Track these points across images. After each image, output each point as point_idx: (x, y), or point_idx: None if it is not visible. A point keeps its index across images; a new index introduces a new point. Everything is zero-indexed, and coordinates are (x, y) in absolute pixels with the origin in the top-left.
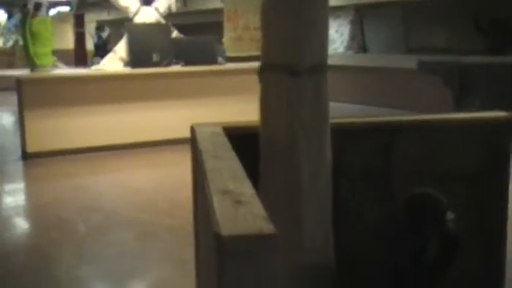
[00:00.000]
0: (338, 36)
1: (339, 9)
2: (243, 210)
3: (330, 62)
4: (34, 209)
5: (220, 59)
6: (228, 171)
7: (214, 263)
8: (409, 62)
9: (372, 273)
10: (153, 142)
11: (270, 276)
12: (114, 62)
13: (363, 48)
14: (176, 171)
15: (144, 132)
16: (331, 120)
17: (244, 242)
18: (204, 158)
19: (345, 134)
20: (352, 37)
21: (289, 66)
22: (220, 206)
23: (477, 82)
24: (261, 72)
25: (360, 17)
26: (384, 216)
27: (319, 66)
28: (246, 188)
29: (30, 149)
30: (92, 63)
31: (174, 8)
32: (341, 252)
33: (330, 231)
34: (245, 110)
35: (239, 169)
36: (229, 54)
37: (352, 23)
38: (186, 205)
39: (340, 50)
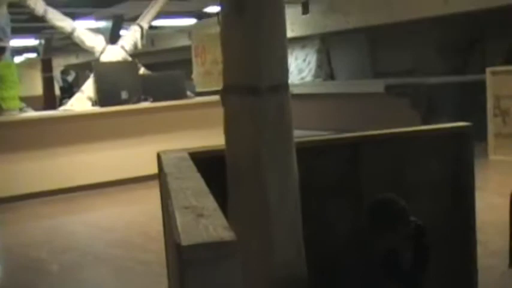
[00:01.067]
0: (305, 65)
1: (305, 39)
2: (204, 222)
3: (298, 90)
4: (4, 252)
5: (189, 93)
6: (191, 190)
7: (178, 275)
8: (376, 86)
9: (345, 283)
10: (124, 180)
11: (232, 282)
12: (82, 101)
13: (331, 76)
14: (148, 207)
15: (115, 171)
16: (297, 140)
17: (204, 250)
18: (169, 180)
19: (311, 151)
20: (319, 65)
21: (250, 86)
22: (182, 219)
23: (442, 101)
24: (223, 94)
25: (325, 46)
26: (354, 227)
27: (280, 86)
28: (209, 203)
29: (1, 193)
30: (60, 105)
31: (139, 45)
32: (314, 264)
33: (301, 245)
34: (216, 142)
35: (202, 187)
36: (199, 89)
37: (319, 51)
38: (160, 239)
39: (308, 78)
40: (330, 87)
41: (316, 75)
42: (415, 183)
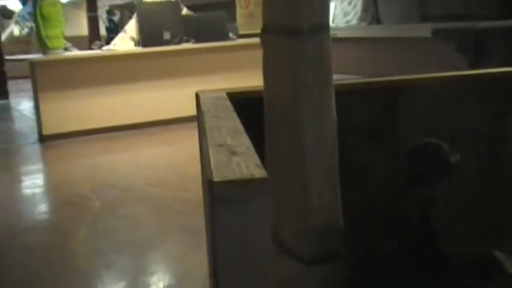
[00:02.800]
0: (351, 8)
1: None
2: (237, 160)
3: (343, 34)
4: (51, 188)
5: (231, 35)
6: (226, 128)
7: (209, 212)
8: (424, 30)
9: (381, 230)
10: (165, 120)
11: (262, 220)
12: (125, 41)
13: (377, 19)
14: (188, 148)
15: (156, 111)
16: (338, 82)
17: (235, 186)
18: (205, 119)
19: (351, 94)
20: (365, 8)
21: (289, 25)
22: (215, 157)
23: (492, 46)
24: (263, 34)
25: None
26: (391, 174)
27: (321, 26)
28: (243, 142)
29: (46, 131)
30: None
31: None
32: (350, 210)
33: (337, 190)
34: (258, 84)
35: (238, 126)
36: (241, 31)
37: None
38: (198, 179)
39: (353, 22)
40: (375, 31)
41: (361, 19)
42: (456, 131)
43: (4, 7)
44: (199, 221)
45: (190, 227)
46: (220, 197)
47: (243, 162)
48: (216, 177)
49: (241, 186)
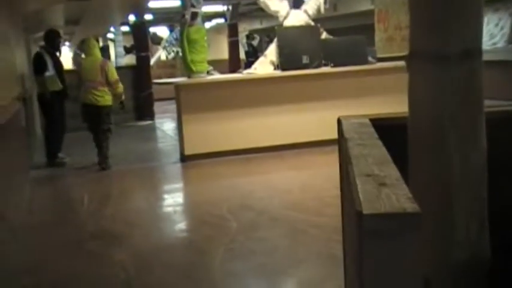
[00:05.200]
0: (498, 30)
1: (498, 2)
2: (386, 191)
3: (488, 57)
4: (190, 207)
5: (370, 59)
6: (373, 157)
7: (356, 244)
8: None
9: None
10: (302, 144)
11: (412, 257)
12: (265, 65)
13: None
14: (326, 172)
15: (294, 134)
16: (489, 109)
17: (386, 220)
18: (349, 146)
19: (499, 122)
20: None
21: (437, 51)
22: (363, 188)
23: None
24: (409, 60)
25: None
26: None
27: (472, 51)
28: (391, 172)
29: (188, 151)
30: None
31: (322, 10)
32: (498, 247)
33: (485, 224)
34: (398, 110)
35: (384, 155)
36: (380, 55)
37: None
38: (335, 204)
39: (500, 44)
40: None
41: (509, 41)
42: None
43: (154, 34)
44: (335, 247)
45: (326, 253)
46: (370, 230)
47: (393, 194)
48: (366, 210)
49: (392, 220)
